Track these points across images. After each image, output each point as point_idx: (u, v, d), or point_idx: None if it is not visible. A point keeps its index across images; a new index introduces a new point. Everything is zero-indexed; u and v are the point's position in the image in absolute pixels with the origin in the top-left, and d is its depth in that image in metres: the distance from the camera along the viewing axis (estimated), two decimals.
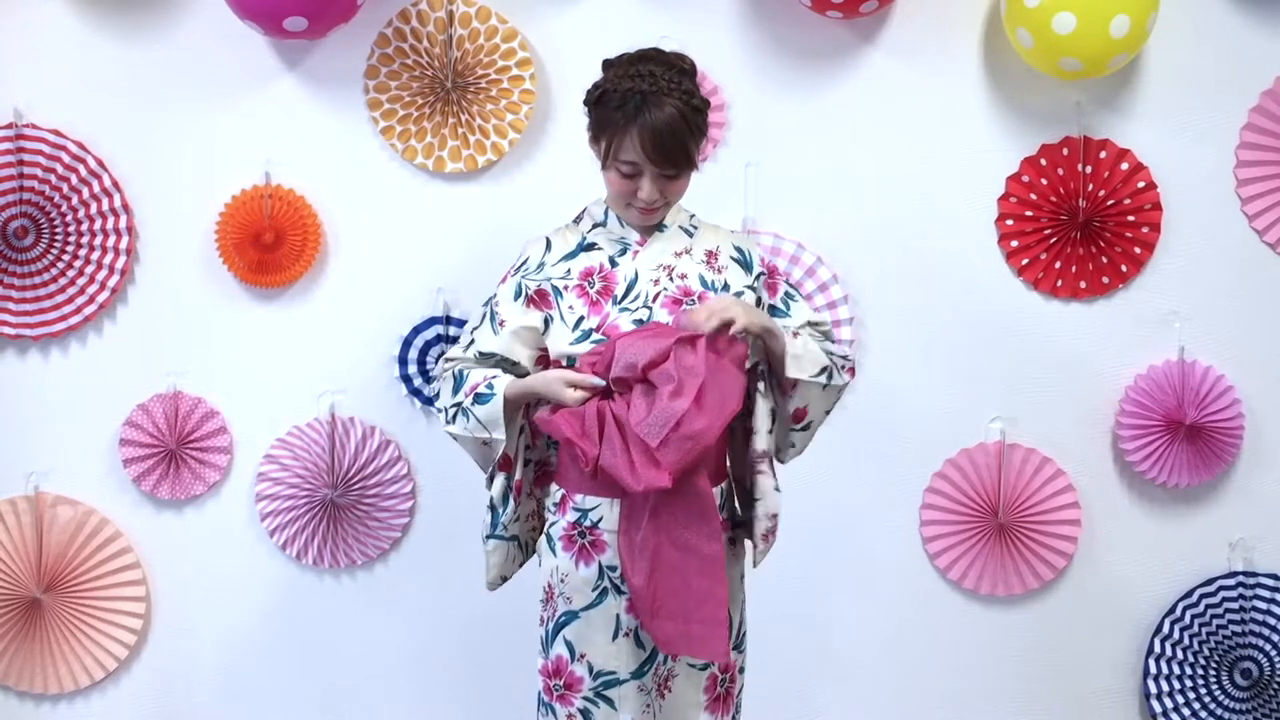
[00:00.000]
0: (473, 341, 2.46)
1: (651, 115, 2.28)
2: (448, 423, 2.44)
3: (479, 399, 2.38)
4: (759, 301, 2.47)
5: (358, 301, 3.16)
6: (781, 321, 2.48)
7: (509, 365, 2.43)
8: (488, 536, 2.48)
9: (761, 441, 2.43)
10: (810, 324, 2.53)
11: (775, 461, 2.48)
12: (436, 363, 3.14)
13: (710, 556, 2.31)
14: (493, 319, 2.44)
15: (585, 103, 2.40)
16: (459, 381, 2.43)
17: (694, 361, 2.26)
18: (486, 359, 2.43)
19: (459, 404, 2.41)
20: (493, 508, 2.46)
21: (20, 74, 3.05)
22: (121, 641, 3.18)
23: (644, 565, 2.31)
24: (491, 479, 2.47)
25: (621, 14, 3.10)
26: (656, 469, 2.23)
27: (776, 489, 2.44)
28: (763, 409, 2.44)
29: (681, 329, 2.31)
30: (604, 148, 2.36)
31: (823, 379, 2.44)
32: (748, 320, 2.33)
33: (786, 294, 2.53)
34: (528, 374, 2.42)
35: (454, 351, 2.48)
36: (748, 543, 2.50)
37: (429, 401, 3.16)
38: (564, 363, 2.40)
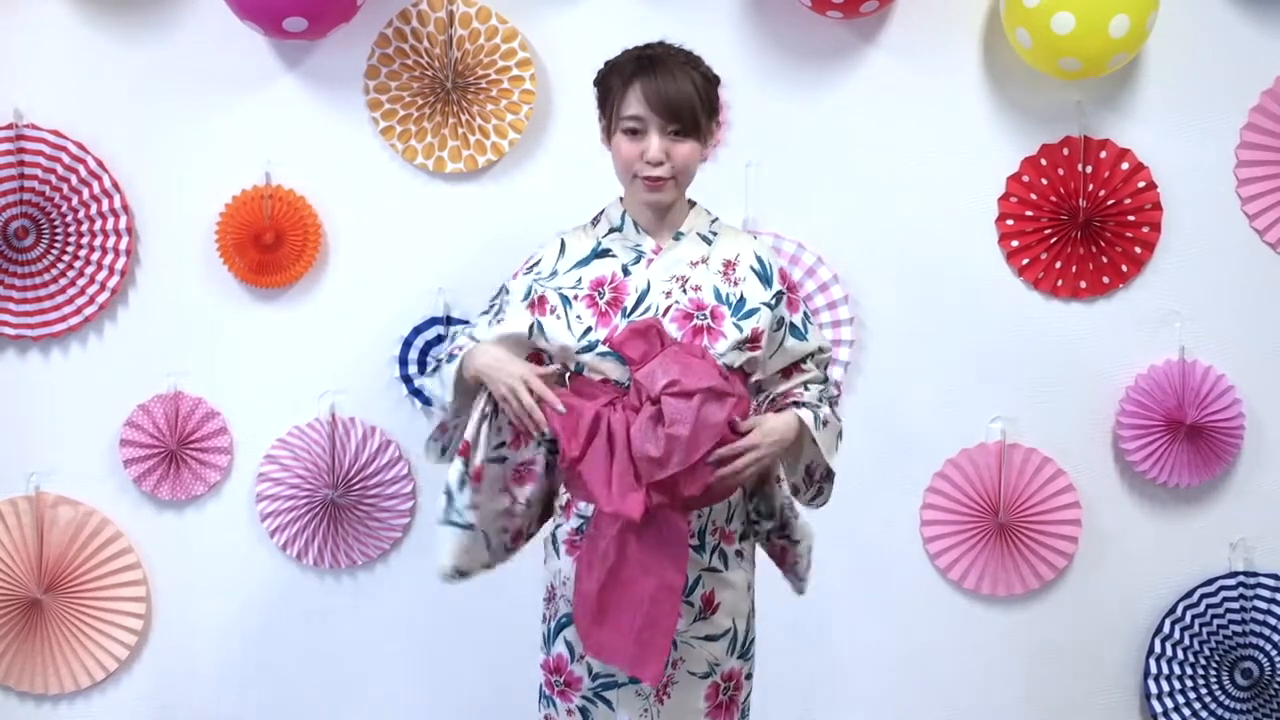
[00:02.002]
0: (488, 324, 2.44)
1: (657, 71, 2.28)
2: (427, 377, 2.47)
3: (450, 358, 2.40)
4: (781, 322, 2.40)
5: (358, 301, 3.16)
6: (796, 345, 2.43)
7: None
8: (440, 522, 2.36)
9: (787, 486, 2.45)
10: (818, 350, 2.48)
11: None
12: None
13: (669, 585, 2.26)
14: (497, 313, 2.41)
15: (594, 83, 2.38)
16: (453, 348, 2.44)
17: (718, 421, 2.23)
18: None
19: (439, 359, 2.43)
20: (448, 493, 2.35)
21: (20, 74, 3.05)
22: (121, 641, 3.18)
23: (600, 574, 2.28)
24: (451, 460, 2.40)
25: (621, 14, 3.10)
26: (633, 495, 2.19)
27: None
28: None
29: (722, 379, 2.26)
30: (609, 113, 2.33)
31: (838, 441, 2.46)
32: (765, 466, 2.34)
33: (806, 316, 2.46)
34: None
35: (478, 330, 2.45)
36: (793, 576, 2.51)
37: (429, 402, 3.15)
38: (571, 366, 2.38)
